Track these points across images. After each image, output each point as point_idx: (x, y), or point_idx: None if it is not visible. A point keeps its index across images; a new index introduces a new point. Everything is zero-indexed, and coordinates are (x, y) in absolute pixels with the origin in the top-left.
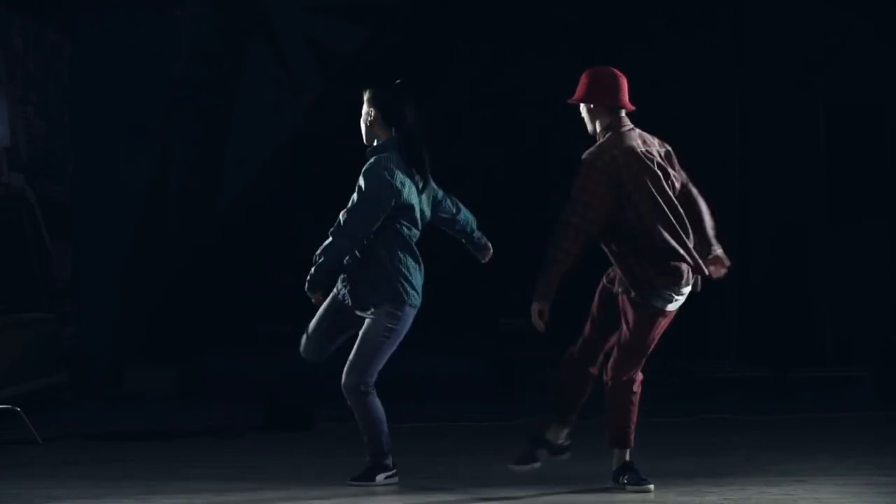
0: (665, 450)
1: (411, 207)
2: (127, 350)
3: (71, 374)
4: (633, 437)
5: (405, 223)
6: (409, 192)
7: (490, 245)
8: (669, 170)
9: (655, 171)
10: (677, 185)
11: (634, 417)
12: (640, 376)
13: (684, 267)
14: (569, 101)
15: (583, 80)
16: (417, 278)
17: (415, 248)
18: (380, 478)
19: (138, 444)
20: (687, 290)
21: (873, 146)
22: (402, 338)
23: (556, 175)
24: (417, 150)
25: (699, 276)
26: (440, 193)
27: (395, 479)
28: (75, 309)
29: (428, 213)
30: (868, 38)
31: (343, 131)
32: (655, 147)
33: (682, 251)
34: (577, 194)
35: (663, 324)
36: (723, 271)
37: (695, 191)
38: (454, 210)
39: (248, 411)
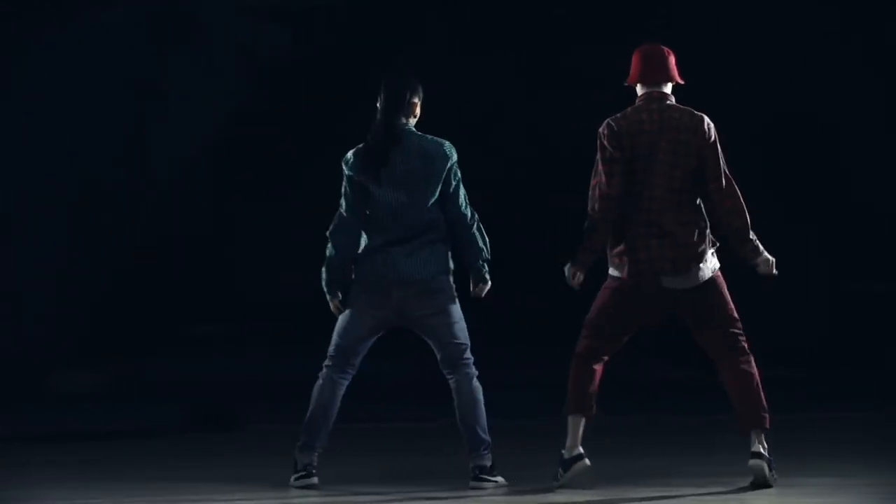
0: (612, 449)
1: None
2: (58, 351)
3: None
4: None
5: None
6: None
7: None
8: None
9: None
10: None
11: None
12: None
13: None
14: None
15: None
16: None
17: None
18: None
19: (67, 445)
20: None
21: (806, 153)
22: None
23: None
24: None
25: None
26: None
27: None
28: (7, 310)
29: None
30: (801, 48)
31: (271, 132)
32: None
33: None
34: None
35: None
36: None
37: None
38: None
39: (177, 412)
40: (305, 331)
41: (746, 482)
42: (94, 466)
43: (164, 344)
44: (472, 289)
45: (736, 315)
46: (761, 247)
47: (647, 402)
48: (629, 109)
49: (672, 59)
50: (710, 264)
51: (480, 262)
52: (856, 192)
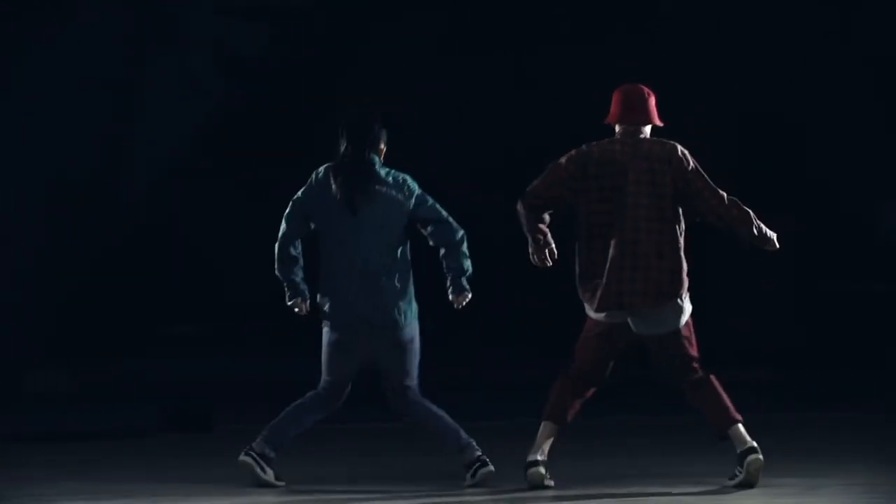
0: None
1: None
2: (28, 351)
3: None
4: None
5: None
6: None
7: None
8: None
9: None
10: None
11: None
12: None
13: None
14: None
15: None
16: None
17: None
18: None
19: (39, 445)
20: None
21: (779, 153)
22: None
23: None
24: None
25: None
26: None
27: None
28: None
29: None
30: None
31: (247, 131)
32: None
33: None
34: None
35: None
36: None
37: None
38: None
39: (153, 412)
40: (282, 331)
41: (728, 482)
42: (64, 467)
43: (140, 344)
44: (451, 298)
45: (695, 354)
46: (769, 232)
47: (626, 403)
48: (606, 140)
49: (652, 101)
50: (682, 311)
51: (463, 278)
52: (843, 202)
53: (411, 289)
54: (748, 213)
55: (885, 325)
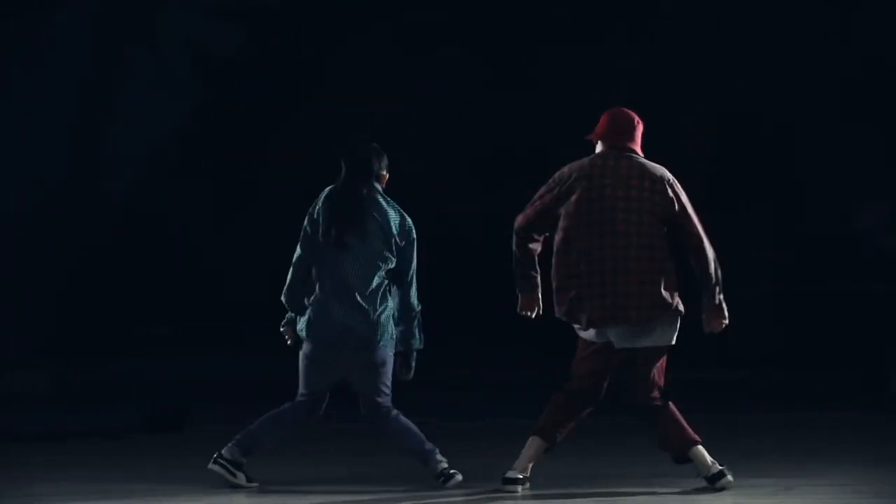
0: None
1: None
2: (6, 352)
3: None
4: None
5: None
6: None
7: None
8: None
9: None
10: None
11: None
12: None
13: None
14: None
15: None
16: None
17: None
18: None
19: (16, 446)
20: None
21: (752, 151)
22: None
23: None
24: None
25: None
26: None
27: None
28: None
29: None
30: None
31: (224, 131)
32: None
33: None
34: None
35: None
36: None
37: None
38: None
39: (131, 413)
40: (261, 332)
41: (699, 483)
42: (42, 467)
43: (119, 345)
44: (398, 370)
45: (661, 382)
46: (724, 304)
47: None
48: (587, 158)
49: (639, 129)
50: (675, 325)
51: (412, 349)
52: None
53: (391, 312)
54: (714, 275)
55: (863, 324)
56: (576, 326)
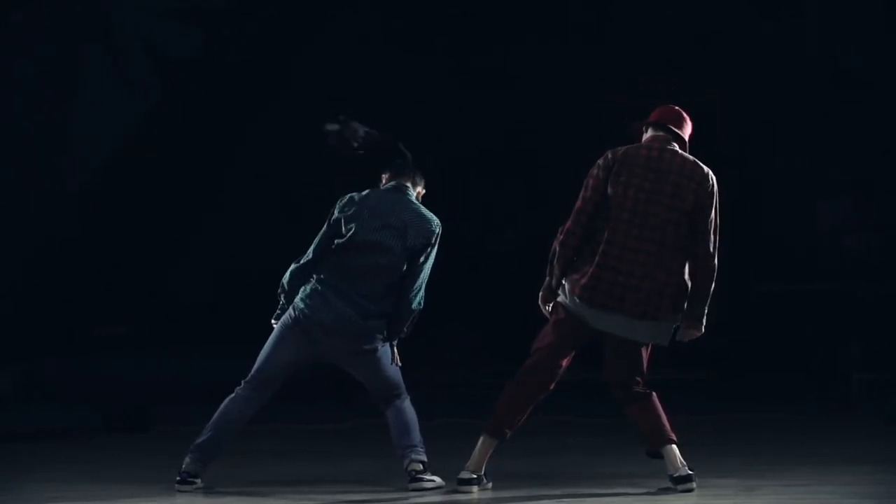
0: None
1: None
2: None
3: None
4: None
5: None
6: None
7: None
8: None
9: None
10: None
11: None
12: None
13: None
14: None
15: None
16: None
17: None
18: None
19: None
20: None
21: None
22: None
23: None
24: None
25: None
26: None
27: None
28: None
29: None
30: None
31: (183, 132)
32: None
33: None
34: None
35: None
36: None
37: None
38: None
39: (88, 414)
40: (219, 332)
41: (665, 483)
42: (3, 468)
43: (75, 345)
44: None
45: (645, 370)
46: (703, 318)
47: (561, 403)
48: (634, 144)
49: (689, 127)
50: (672, 328)
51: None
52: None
53: (391, 311)
54: (710, 290)
55: (824, 324)
56: (560, 298)
